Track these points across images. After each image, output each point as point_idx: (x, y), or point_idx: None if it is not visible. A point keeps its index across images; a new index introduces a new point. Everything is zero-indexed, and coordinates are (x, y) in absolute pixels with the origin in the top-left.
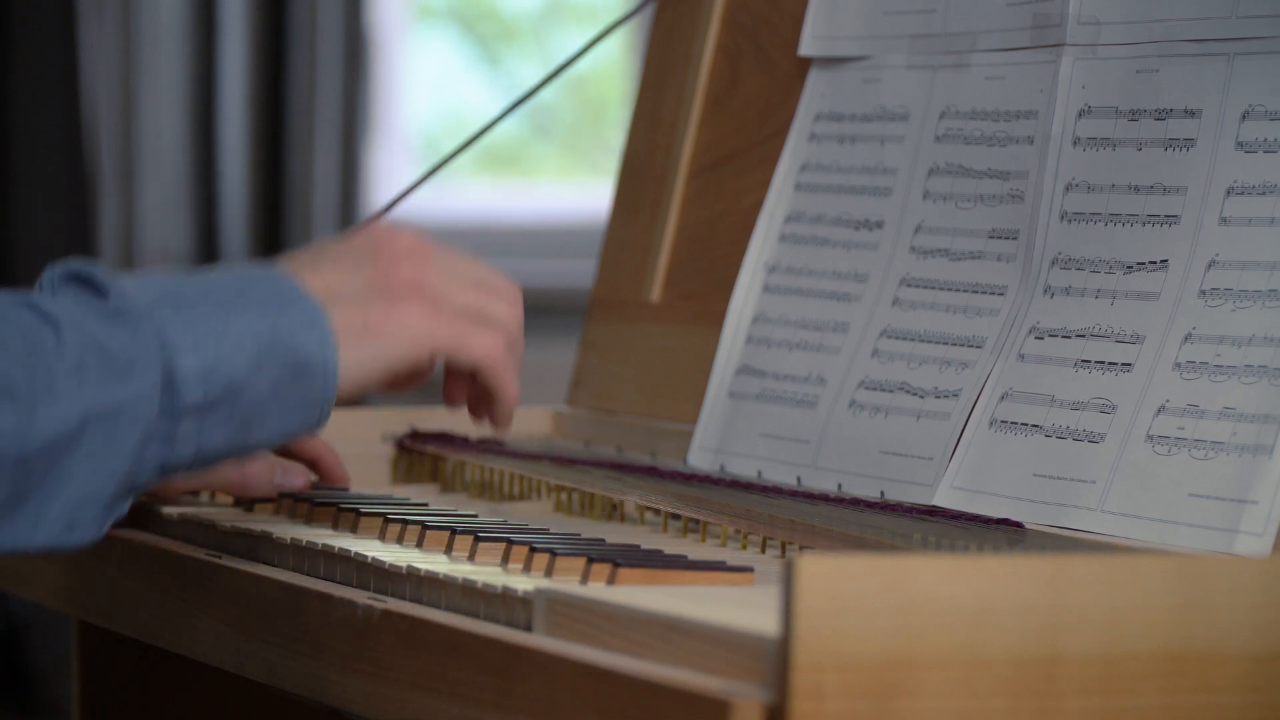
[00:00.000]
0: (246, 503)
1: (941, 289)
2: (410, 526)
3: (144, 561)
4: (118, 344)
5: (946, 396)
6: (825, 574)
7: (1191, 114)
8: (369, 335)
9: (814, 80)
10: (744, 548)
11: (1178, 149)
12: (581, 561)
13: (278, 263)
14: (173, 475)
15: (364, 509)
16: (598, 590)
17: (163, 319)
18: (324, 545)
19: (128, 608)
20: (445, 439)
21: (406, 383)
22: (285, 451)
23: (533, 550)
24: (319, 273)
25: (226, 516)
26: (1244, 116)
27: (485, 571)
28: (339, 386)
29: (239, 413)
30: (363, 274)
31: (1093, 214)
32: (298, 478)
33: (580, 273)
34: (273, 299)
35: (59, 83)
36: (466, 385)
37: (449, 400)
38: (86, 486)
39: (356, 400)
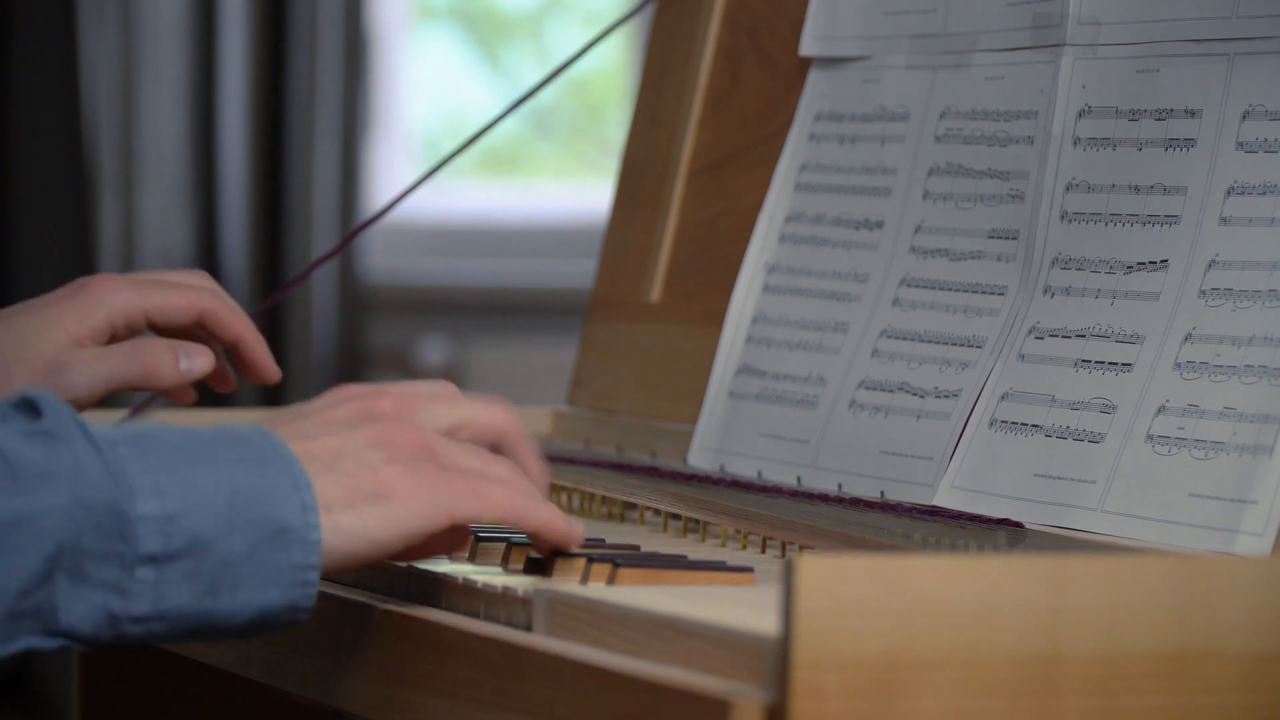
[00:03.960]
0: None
1: (941, 289)
2: None
3: None
4: (28, 459)
5: (946, 396)
6: (825, 574)
7: (1192, 114)
8: (380, 499)
9: (814, 80)
10: (744, 548)
11: (1178, 149)
12: (581, 561)
13: (258, 425)
14: (133, 635)
15: None
16: (598, 590)
17: (124, 460)
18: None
19: None
20: None
21: (422, 552)
22: (191, 335)
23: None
24: (307, 435)
25: None
26: (1244, 116)
27: (485, 571)
28: (330, 555)
29: (206, 572)
30: (359, 434)
31: (1093, 214)
32: (200, 358)
33: (580, 273)
34: (252, 457)
35: (59, 83)
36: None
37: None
38: None
39: (356, 569)
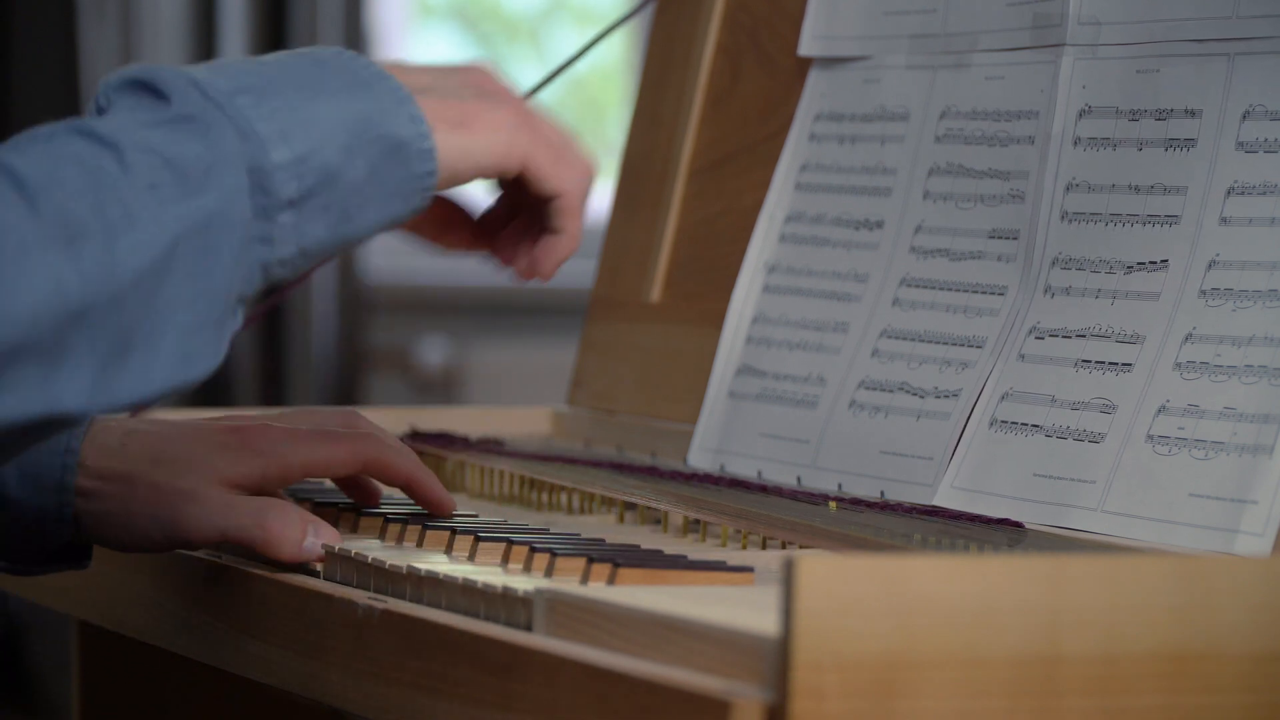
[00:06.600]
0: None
1: (941, 289)
2: (410, 526)
3: (144, 562)
4: (190, 153)
5: (946, 396)
6: (825, 574)
7: (1192, 114)
8: (462, 126)
9: (814, 80)
10: (744, 548)
11: (1178, 149)
12: (581, 561)
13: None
14: (279, 278)
15: (364, 509)
16: (598, 590)
17: (243, 109)
18: (324, 545)
19: (127, 608)
20: (445, 439)
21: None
22: (357, 479)
23: (533, 550)
24: (404, 69)
25: None
26: (1244, 116)
27: (485, 571)
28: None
29: (337, 201)
30: (453, 77)
31: (1093, 214)
32: (327, 538)
33: (580, 273)
34: (355, 80)
35: (59, 83)
36: (507, 218)
37: (485, 229)
38: (193, 311)
39: (447, 191)
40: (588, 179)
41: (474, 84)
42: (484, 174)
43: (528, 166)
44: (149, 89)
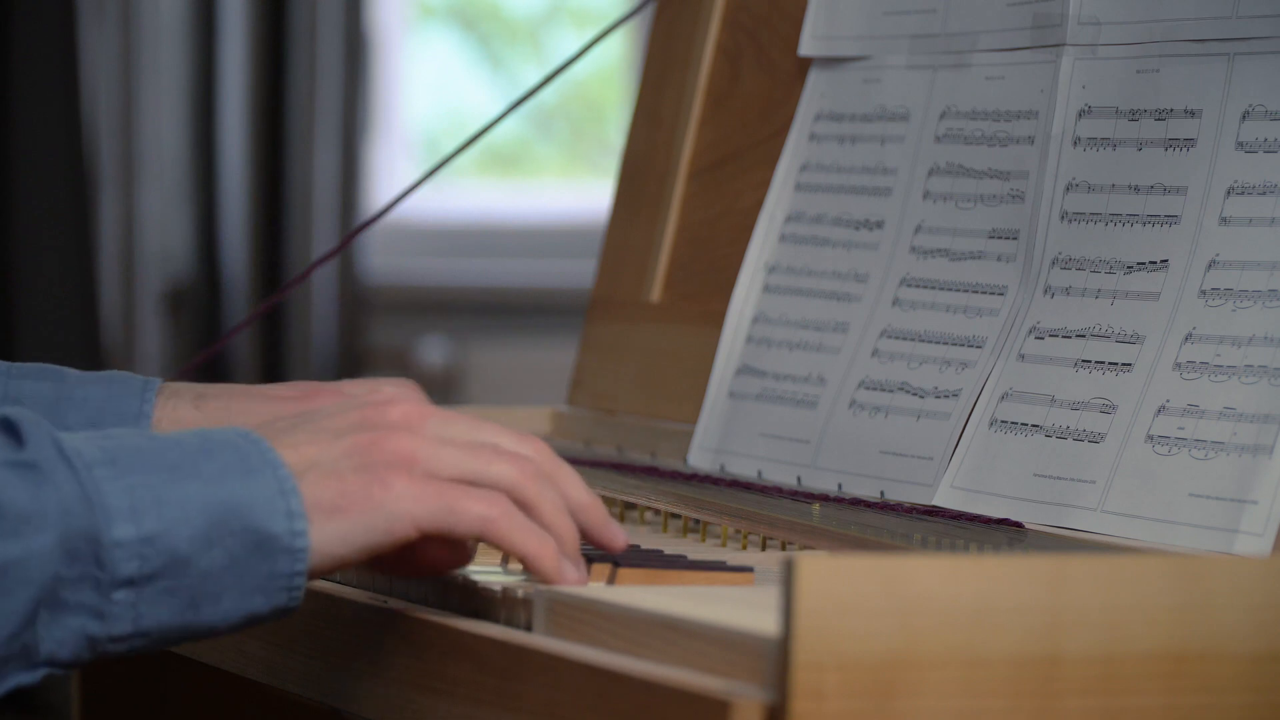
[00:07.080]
0: None
1: (941, 289)
2: None
3: None
4: (13, 499)
5: (946, 396)
6: (825, 574)
7: (1192, 114)
8: (341, 511)
9: (814, 80)
10: (744, 548)
11: (1178, 149)
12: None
13: (254, 427)
14: (115, 653)
15: None
16: (598, 590)
17: (99, 479)
18: None
19: None
20: None
21: (398, 564)
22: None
23: None
24: (295, 440)
25: None
26: (1244, 116)
27: (485, 571)
28: (309, 566)
29: (185, 589)
30: (343, 443)
31: (1093, 214)
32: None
33: (580, 273)
34: (236, 466)
35: (59, 83)
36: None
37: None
38: None
39: (332, 575)
40: (498, 505)
41: (362, 453)
42: (375, 552)
43: (424, 529)
44: (12, 431)
